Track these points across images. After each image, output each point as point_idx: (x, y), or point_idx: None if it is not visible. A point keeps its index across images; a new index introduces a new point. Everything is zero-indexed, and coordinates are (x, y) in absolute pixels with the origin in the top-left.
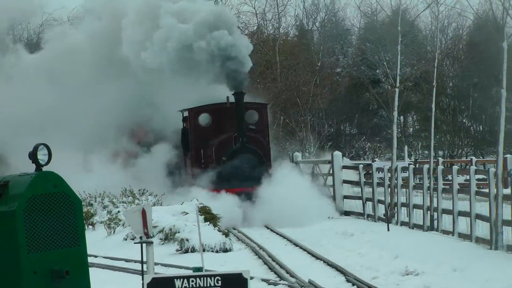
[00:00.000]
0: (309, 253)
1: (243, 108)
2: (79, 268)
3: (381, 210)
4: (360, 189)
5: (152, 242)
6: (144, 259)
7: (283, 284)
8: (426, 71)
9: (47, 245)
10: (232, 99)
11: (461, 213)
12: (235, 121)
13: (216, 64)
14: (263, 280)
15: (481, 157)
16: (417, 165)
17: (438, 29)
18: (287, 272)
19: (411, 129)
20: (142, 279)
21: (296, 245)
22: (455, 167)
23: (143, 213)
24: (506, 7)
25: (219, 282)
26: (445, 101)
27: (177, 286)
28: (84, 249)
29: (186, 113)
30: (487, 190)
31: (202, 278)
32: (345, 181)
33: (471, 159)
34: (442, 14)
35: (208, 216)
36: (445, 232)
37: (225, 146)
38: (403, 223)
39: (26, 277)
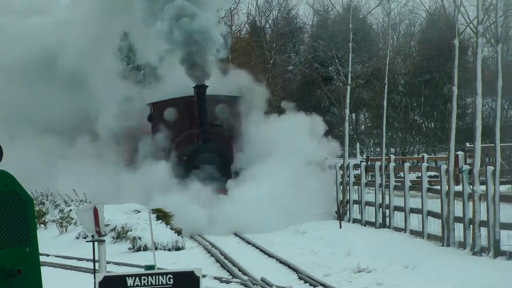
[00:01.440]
0: (261, 251)
1: (205, 102)
2: (31, 267)
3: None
4: None
5: (104, 241)
6: (96, 258)
7: (235, 282)
8: (378, 68)
9: None
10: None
11: (413, 210)
12: (199, 116)
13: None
14: (215, 278)
15: (432, 154)
16: (369, 162)
17: (390, 26)
18: (240, 270)
19: (363, 127)
20: (94, 278)
21: (248, 243)
22: (407, 164)
23: (95, 211)
24: (457, 5)
25: (171, 280)
26: (396, 98)
27: (129, 284)
28: (36, 248)
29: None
30: (438, 187)
31: (154, 276)
32: None
33: (423, 156)
34: (393, 11)
35: (161, 214)
36: (397, 229)
37: (186, 144)
38: (355, 220)
39: None
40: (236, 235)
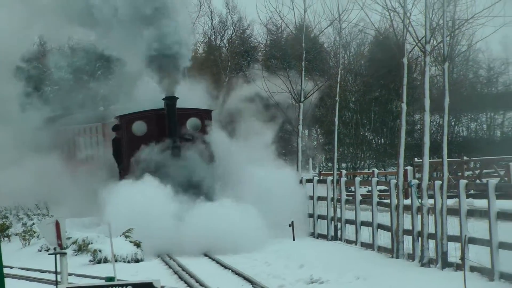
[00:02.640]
0: (217, 262)
1: (174, 115)
2: None
3: None
4: None
5: (65, 253)
6: (58, 270)
7: None
8: (329, 86)
9: None
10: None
11: (364, 223)
12: (169, 129)
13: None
14: None
15: (382, 169)
16: (321, 177)
17: (341, 45)
18: (197, 281)
19: (315, 142)
20: None
21: (205, 255)
22: (358, 179)
23: (57, 225)
24: (406, 25)
25: None
26: (347, 115)
27: None
28: None
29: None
30: (388, 201)
31: (114, 287)
32: None
33: (373, 171)
34: (344, 30)
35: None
36: (349, 241)
37: (154, 158)
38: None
39: None
40: (206, 255)
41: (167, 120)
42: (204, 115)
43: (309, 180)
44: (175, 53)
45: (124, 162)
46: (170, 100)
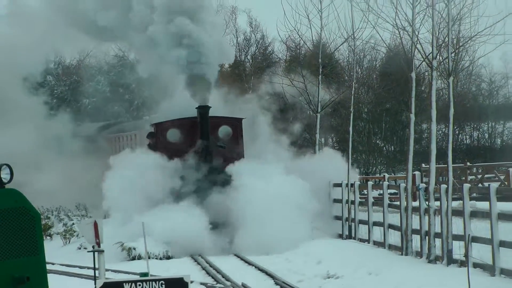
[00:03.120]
0: (242, 259)
1: (208, 124)
2: (39, 274)
3: None
4: None
5: (103, 251)
6: (96, 266)
7: (219, 287)
8: (344, 98)
9: (9, 254)
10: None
11: (376, 223)
12: (201, 135)
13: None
14: (201, 283)
15: (392, 174)
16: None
17: (354, 61)
18: (223, 277)
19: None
20: (95, 284)
21: (234, 254)
22: (370, 183)
23: (95, 225)
24: (414, 42)
25: (163, 285)
26: (360, 125)
27: None
28: (43, 258)
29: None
30: (398, 203)
31: (148, 282)
32: None
33: (384, 175)
34: (358, 47)
35: None
36: (362, 240)
37: (188, 163)
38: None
39: None
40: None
41: (199, 127)
42: (235, 123)
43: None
44: (206, 71)
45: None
46: (203, 109)
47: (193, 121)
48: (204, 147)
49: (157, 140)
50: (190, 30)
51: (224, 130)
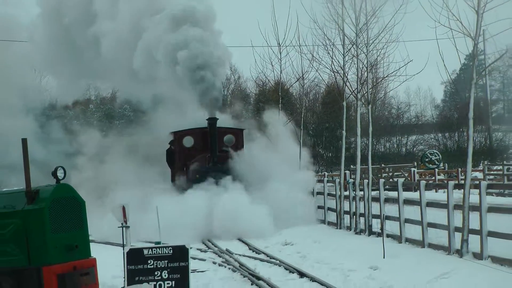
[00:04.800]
0: (239, 239)
1: (216, 132)
2: (84, 243)
3: None
4: None
5: (129, 227)
6: (124, 237)
7: (210, 251)
8: (296, 119)
9: (63, 228)
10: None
11: (320, 207)
12: (210, 143)
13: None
14: (197, 249)
15: (330, 172)
16: None
17: (303, 94)
18: (213, 244)
19: None
20: (123, 250)
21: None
22: (315, 179)
23: (123, 208)
24: (344, 81)
25: (171, 250)
26: (307, 138)
27: (145, 254)
28: (86, 231)
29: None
30: (334, 193)
31: (160, 248)
32: None
33: (324, 173)
34: (306, 84)
35: None
36: None
37: (199, 165)
38: None
39: (50, 250)
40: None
41: (209, 135)
42: (237, 132)
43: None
44: (216, 96)
45: (175, 167)
46: (212, 120)
47: (203, 130)
48: (212, 152)
49: (175, 145)
50: (208, 78)
51: (228, 138)
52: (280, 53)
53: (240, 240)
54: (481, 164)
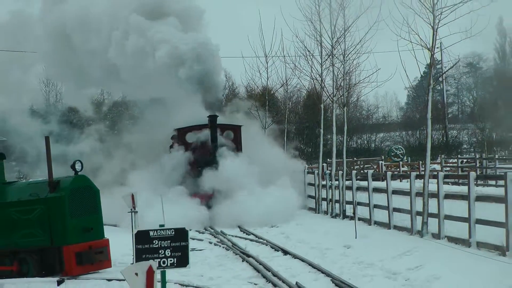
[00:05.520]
0: (238, 227)
1: (216, 127)
2: (98, 226)
3: None
4: None
5: (137, 212)
6: (133, 221)
7: (207, 233)
8: (280, 120)
9: (80, 213)
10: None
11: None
12: (211, 139)
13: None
14: (196, 230)
15: (310, 165)
16: None
17: (286, 98)
18: (210, 227)
19: None
20: (132, 232)
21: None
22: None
23: (132, 196)
24: (322, 87)
25: (173, 232)
26: (291, 135)
27: (151, 235)
28: (101, 216)
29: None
30: (313, 182)
31: (164, 230)
32: None
33: (305, 166)
34: (289, 90)
35: None
36: None
37: (202, 158)
38: None
39: (69, 232)
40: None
41: (210, 131)
42: (235, 128)
43: None
44: (217, 95)
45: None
46: (213, 117)
47: (204, 126)
48: (213, 146)
49: (178, 140)
50: (212, 81)
51: (227, 133)
52: (266, 63)
53: (240, 227)
54: (438, 157)
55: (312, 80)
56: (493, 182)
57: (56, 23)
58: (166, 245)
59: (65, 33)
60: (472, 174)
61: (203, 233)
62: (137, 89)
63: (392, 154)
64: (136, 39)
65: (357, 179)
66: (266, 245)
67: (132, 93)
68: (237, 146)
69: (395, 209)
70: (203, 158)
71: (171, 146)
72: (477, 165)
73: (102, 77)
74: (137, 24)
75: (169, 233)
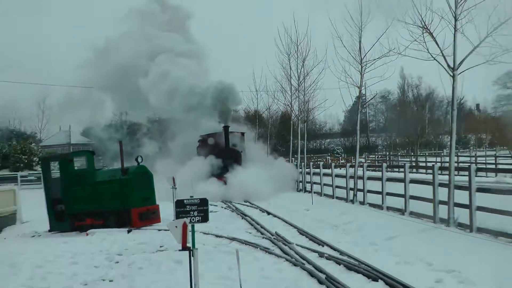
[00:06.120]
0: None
1: (228, 134)
2: (153, 196)
3: None
4: None
5: (176, 188)
6: (173, 194)
7: (220, 206)
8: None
9: (141, 188)
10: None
11: None
12: (225, 141)
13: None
14: (211, 204)
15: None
16: None
17: (269, 116)
18: (224, 200)
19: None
20: (173, 200)
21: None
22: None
23: (173, 178)
24: (291, 109)
25: (198, 200)
26: (272, 140)
27: (185, 202)
28: (154, 190)
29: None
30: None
31: (193, 199)
32: None
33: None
34: (271, 112)
35: None
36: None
37: (219, 154)
38: None
39: (134, 200)
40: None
41: (224, 136)
42: (241, 134)
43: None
44: (229, 111)
45: (204, 157)
46: (226, 127)
47: (219, 134)
48: (226, 147)
49: (202, 143)
50: (226, 106)
51: (236, 137)
52: (257, 95)
53: (246, 201)
54: (363, 154)
55: (285, 106)
56: (397, 170)
57: (115, 68)
58: (194, 208)
59: (123, 75)
60: (384, 165)
61: (216, 205)
62: (176, 112)
63: (335, 152)
64: (168, 84)
65: (313, 168)
66: (256, 208)
67: (173, 114)
68: (242, 145)
69: (337, 186)
70: (223, 155)
71: (198, 147)
72: (387, 159)
73: (154, 103)
74: (165, 70)
75: (196, 201)
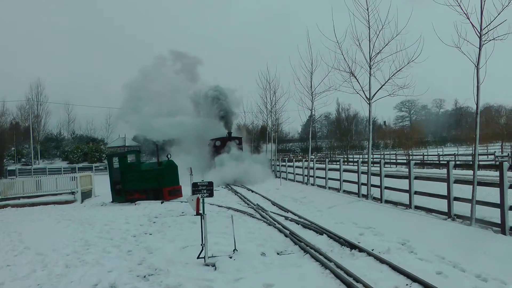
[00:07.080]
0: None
1: (231, 138)
2: (177, 180)
3: None
4: None
5: (192, 175)
6: (190, 179)
7: (221, 187)
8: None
9: (170, 175)
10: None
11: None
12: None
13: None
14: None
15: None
16: None
17: (253, 128)
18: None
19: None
20: (190, 182)
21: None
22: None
23: (190, 168)
24: (267, 125)
25: (207, 182)
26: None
27: (198, 184)
28: (178, 176)
29: (208, 141)
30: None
31: (203, 182)
32: None
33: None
34: (255, 125)
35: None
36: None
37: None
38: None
39: (166, 182)
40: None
41: (227, 140)
42: (240, 139)
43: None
44: (231, 120)
45: (212, 155)
46: (229, 133)
47: (224, 138)
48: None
49: (211, 145)
50: (229, 116)
51: (236, 141)
52: (244, 114)
53: (242, 185)
54: (314, 153)
55: (263, 121)
56: (335, 163)
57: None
58: (204, 188)
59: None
60: (327, 160)
61: (221, 189)
62: (194, 130)
63: (296, 151)
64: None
65: (281, 162)
66: (244, 188)
67: (192, 132)
68: (241, 147)
69: (297, 174)
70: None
71: (209, 146)
72: (329, 156)
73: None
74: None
75: (205, 183)
